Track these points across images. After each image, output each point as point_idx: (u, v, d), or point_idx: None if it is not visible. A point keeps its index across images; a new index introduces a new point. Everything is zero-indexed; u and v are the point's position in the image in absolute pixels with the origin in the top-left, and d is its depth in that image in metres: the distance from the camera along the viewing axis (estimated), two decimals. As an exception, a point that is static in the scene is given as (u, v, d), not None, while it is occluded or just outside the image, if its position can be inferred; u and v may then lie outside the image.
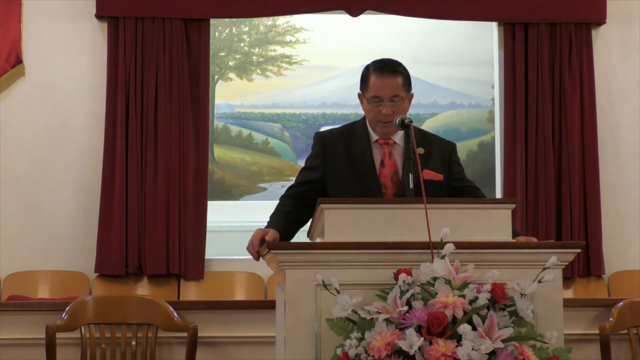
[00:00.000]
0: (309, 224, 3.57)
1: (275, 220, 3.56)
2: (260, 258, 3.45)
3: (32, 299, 5.60)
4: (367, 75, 3.60)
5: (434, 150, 3.59)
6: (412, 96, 3.63)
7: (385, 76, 3.56)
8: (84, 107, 6.25)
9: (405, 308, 2.76)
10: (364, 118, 3.70)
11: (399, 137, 3.63)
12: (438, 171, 3.45)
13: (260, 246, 3.40)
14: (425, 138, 3.68)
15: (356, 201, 3.18)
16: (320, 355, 2.91)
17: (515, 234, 3.28)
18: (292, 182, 3.74)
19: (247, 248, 3.46)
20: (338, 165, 3.63)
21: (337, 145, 3.66)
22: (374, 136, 3.65)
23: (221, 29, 6.62)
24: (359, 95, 3.67)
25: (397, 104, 3.55)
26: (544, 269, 2.90)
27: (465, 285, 2.80)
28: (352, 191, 3.57)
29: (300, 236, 3.52)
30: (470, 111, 6.72)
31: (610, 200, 6.43)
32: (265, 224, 3.57)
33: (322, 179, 3.65)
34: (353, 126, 3.73)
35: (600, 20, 6.48)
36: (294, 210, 3.61)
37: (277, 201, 3.71)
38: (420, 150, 3.24)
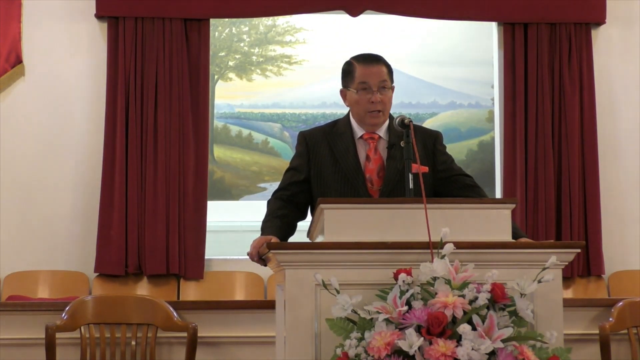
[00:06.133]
0: (304, 225, 3.57)
1: (273, 225, 3.54)
2: (262, 261, 3.44)
3: (32, 299, 5.60)
4: (352, 68, 3.63)
5: (417, 141, 3.54)
6: (393, 88, 3.65)
7: (371, 64, 3.61)
8: (83, 107, 6.25)
9: (405, 308, 2.76)
10: (347, 115, 3.71)
11: (383, 131, 3.64)
12: (422, 163, 3.40)
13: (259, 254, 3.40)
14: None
15: (356, 201, 3.18)
16: (320, 355, 2.91)
17: (519, 235, 3.28)
18: (279, 185, 3.72)
19: (249, 255, 3.45)
20: (322, 163, 3.63)
21: (321, 144, 3.66)
22: (358, 132, 3.65)
23: (221, 29, 6.62)
24: (341, 91, 3.69)
25: (385, 91, 3.58)
26: (544, 268, 2.90)
27: (465, 285, 2.81)
28: (336, 189, 3.57)
29: (300, 236, 3.52)
30: (470, 111, 6.73)
31: (610, 199, 6.43)
32: (260, 228, 3.56)
33: (308, 179, 3.65)
34: (336, 124, 3.72)
35: (600, 20, 6.48)
36: (288, 214, 3.61)
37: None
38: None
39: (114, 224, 6.05)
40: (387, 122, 3.65)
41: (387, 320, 2.76)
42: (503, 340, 2.73)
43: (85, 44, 6.28)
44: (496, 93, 6.63)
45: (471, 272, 2.83)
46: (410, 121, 3.37)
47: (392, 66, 3.66)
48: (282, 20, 6.63)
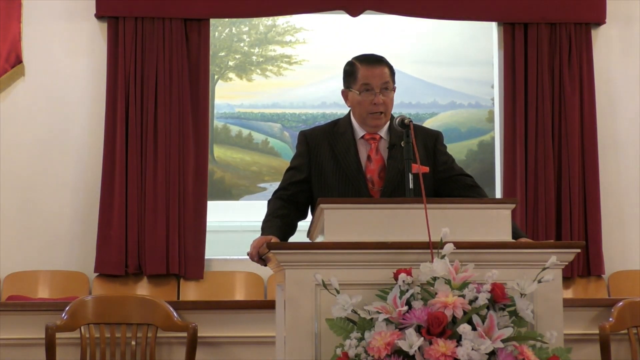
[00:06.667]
0: (304, 225, 3.58)
1: (274, 224, 3.54)
2: (262, 261, 3.44)
3: (32, 299, 5.60)
4: (354, 69, 3.63)
5: (418, 141, 3.50)
6: (395, 89, 3.65)
7: (374, 66, 3.61)
8: (83, 107, 6.25)
9: (405, 308, 2.76)
10: (347, 115, 3.71)
11: (384, 131, 3.65)
12: (422, 163, 3.40)
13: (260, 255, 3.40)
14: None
15: (356, 201, 3.18)
16: (320, 355, 2.91)
17: (519, 235, 3.28)
18: (279, 184, 3.72)
19: (249, 255, 3.45)
20: (323, 163, 3.63)
21: (322, 144, 3.66)
22: (359, 132, 3.65)
23: (221, 29, 6.62)
24: (343, 92, 3.68)
25: (387, 92, 3.58)
26: (544, 268, 2.90)
27: (465, 285, 2.81)
28: (337, 190, 3.57)
29: (300, 236, 3.52)
30: (470, 111, 6.73)
31: (610, 199, 6.43)
32: (260, 228, 3.57)
33: (308, 179, 3.65)
34: (337, 124, 3.72)
35: (600, 21, 6.48)
36: (288, 214, 3.61)
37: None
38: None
39: (114, 224, 6.05)
40: (388, 123, 3.65)
41: (387, 320, 2.76)
42: (503, 340, 2.73)
43: (85, 44, 6.28)
44: (496, 93, 6.63)
45: (471, 272, 2.83)
46: (410, 121, 3.37)
47: (393, 66, 3.66)
48: (282, 20, 6.63)
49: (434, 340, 2.69)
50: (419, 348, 2.69)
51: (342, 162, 3.61)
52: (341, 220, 3.02)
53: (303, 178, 3.65)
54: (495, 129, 6.63)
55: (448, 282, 2.81)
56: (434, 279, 2.82)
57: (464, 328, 2.70)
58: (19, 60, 6.19)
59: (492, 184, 6.56)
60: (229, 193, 6.58)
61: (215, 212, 6.34)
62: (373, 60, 3.64)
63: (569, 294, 6.18)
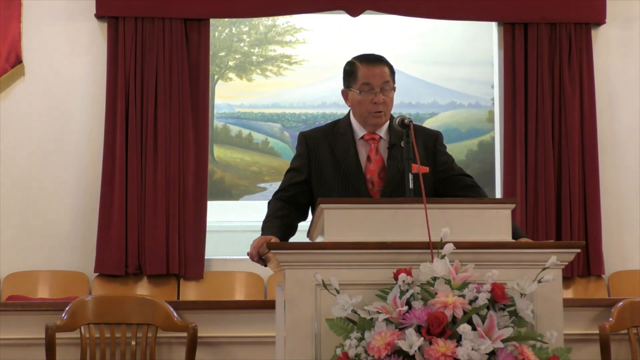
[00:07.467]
0: (304, 225, 3.58)
1: (274, 225, 3.54)
2: (262, 261, 3.44)
3: (32, 299, 5.60)
4: (354, 68, 3.63)
5: (418, 141, 3.49)
6: (395, 89, 3.65)
7: (374, 65, 3.61)
8: (83, 107, 6.25)
9: (405, 308, 2.76)
10: (347, 116, 3.71)
11: (384, 131, 3.65)
12: (422, 163, 3.37)
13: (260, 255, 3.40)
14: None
15: (356, 201, 3.18)
16: (320, 355, 2.91)
17: (519, 235, 3.28)
18: (280, 185, 3.73)
19: (249, 255, 3.45)
20: (323, 164, 3.63)
21: (322, 144, 3.66)
22: (359, 133, 3.66)
23: (221, 29, 6.62)
24: (343, 92, 3.68)
25: (387, 92, 3.59)
26: (544, 268, 2.90)
27: (465, 285, 2.81)
28: (337, 190, 3.58)
29: (300, 236, 3.52)
30: (470, 111, 6.73)
31: (610, 199, 6.43)
32: (260, 229, 3.57)
33: (309, 180, 3.65)
34: (337, 124, 3.72)
35: (600, 21, 6.48)
36: (289, 214, 3.61)
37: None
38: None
39: (114, 224, 6.05)
40: (387, 123, 3.65)
41: (387, 320, 2.76)
42: (503, 340, 2.73)
43: (85, 44, 6.28)
44: (496, 93, 6.63)
45: (471, 272, 2.83)
46: (410, 121, 3.37)
47: (393, 66, 3.66)
48: (282, 20, 6.63)
49: (434, 340, 2.69)
50: (419, 348, 2.69)
51: (341, 162, 3.61)
52: (341, 220, 3.02)
53: (303, 179, 3.65)
54: (495, 129, 6.63)
55: (448, 282, 2.81)
56: (434, 279, 2.82)
57: (464, 328, 2.70)
58: (19, 60, 6.19)
59: (492, 184, 6.56)
60: (229, 193, 6.58)
61: (215, 212, 6.34)
62: (373, 60, 3.64)
63: (569, 294, 6.18)
